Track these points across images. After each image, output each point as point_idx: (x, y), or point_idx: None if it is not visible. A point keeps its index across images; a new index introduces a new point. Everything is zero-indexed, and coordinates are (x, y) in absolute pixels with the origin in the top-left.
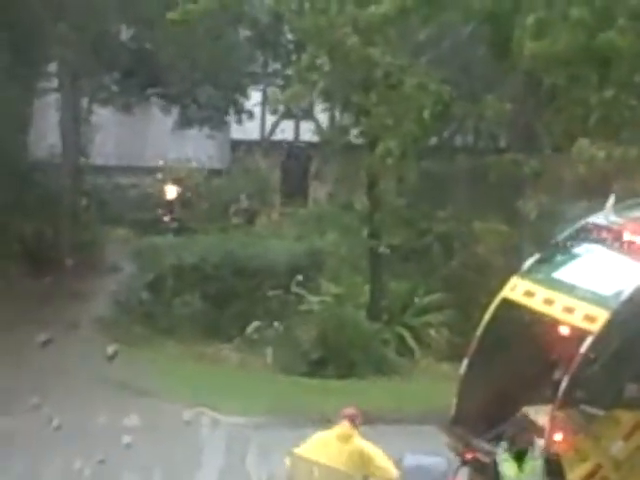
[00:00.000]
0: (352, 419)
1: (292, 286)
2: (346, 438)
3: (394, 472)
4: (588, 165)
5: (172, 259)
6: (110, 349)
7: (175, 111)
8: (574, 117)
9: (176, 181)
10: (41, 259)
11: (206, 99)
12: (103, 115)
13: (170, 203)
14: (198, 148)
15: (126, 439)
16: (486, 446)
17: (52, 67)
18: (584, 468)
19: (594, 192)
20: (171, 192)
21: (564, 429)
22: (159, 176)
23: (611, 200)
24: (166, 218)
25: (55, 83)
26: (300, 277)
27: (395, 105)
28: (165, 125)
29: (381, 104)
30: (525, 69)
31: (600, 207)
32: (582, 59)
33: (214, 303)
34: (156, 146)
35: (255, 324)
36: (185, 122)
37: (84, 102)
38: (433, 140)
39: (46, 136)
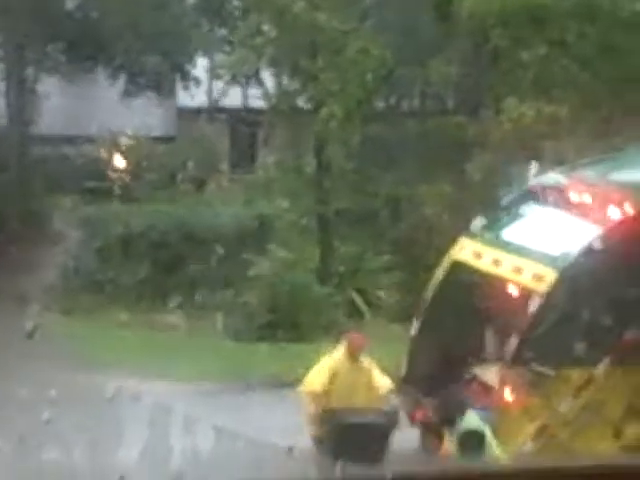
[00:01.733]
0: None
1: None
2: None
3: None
4: (515, 123)
5: (120, 227)
6: (28, 325)
7: (121, 80)
8: (514, 78)
9: (123, 149)
10: None
11: (152, 67)
12: (49, 84)
13: (117, 171)
14: (145, 116)
15: (80, 405)
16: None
17: None
18: (532, 427)
19: (540, 152)
20: (118, 161)
21: (514, 388)
22: (106, 145)
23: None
24: (113, 186)
25: (0, 53)
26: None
27: (340, 70)
28: (112, 94)
29: (327, 69)
30: (466, 30)
31: (545, 167)
32: (519, 19)
33: (163, 270)
34: (103, 115)
35: (202, 291)
36: (132, 90)
37: (30, 72)
38: (381, 104)
39: None
